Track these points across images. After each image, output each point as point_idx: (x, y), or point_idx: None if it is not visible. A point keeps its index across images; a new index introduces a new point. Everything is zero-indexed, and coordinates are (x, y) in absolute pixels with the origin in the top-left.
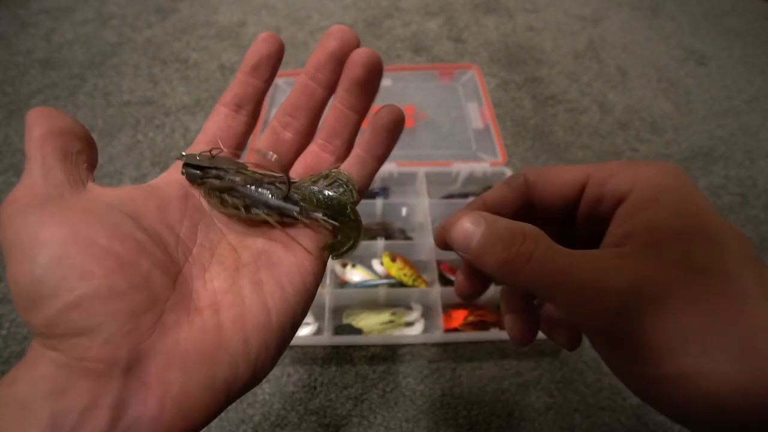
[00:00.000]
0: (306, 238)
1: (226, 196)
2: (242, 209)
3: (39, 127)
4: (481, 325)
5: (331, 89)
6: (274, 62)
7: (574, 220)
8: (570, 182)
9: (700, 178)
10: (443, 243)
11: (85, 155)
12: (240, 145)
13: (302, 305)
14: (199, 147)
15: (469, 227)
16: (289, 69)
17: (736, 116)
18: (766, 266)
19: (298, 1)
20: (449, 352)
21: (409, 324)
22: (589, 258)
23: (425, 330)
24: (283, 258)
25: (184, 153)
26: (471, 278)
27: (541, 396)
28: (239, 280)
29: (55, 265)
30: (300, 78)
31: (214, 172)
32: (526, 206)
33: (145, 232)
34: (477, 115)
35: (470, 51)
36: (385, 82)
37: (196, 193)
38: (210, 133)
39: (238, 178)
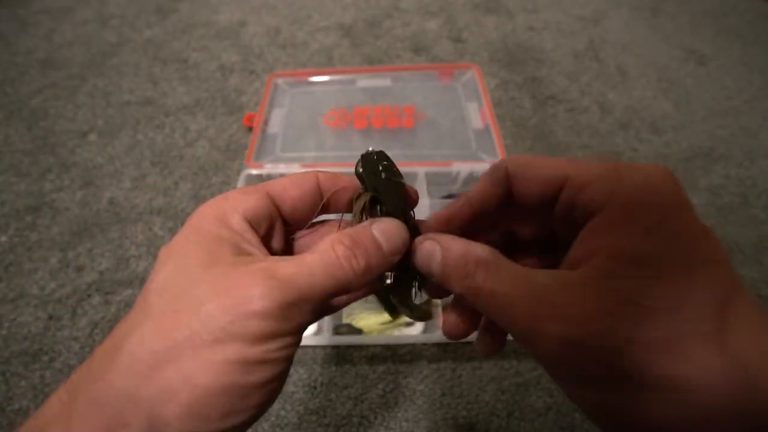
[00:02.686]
0: None
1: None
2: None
3: None
4: None
5: None
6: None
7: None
8: (548, 181)
9: (700, 178)
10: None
11: None
12: None
13: None
14: None
15: (428, 253)
16: (289, 69)
17: (736, 116)
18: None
19: (298, 1)
20: (449, 352)
21: (409, 324)
22: (532, 295)
23: (425, 330)
24: None
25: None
26: (462, 315)
27: (541, 396)
28: None
29: None
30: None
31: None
32: (507, 196)
33: None
34: (477, 115)
35: (470, 51)
36: (385, 82)
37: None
38: None
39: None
